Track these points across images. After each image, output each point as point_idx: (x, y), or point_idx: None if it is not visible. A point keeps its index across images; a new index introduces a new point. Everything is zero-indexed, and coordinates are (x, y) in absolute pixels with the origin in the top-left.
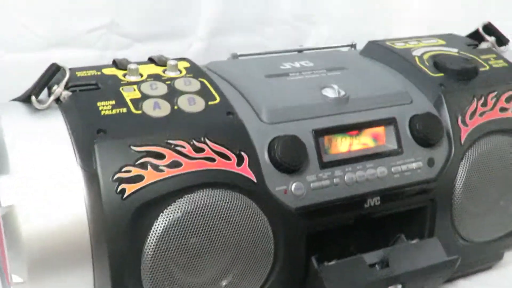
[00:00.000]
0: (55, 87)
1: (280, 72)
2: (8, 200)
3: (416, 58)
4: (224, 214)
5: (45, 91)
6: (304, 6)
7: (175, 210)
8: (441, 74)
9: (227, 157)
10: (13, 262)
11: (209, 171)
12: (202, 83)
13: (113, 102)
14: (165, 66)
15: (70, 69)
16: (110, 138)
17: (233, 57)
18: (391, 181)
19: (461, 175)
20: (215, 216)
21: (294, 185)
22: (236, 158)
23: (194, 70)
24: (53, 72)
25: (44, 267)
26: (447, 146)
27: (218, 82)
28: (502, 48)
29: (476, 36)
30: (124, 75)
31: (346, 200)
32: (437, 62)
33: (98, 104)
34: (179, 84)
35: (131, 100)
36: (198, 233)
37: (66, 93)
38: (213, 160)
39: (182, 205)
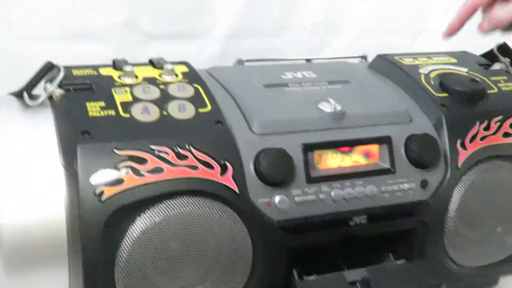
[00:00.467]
0: (48, 84)
1: (280, 82)
2: None
3: (422, 76)
4: (203, 222)
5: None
6: (327, 14)
7: (154, 215)
8: (445, 95)
9: (210, 166)
10: None
11: (191, 179)
12: (196, 89)
13: (102, 103)
14: (163, 69)
15: (66, 67)
16: (94, 140)
17: (238, 63)
18: (380, 200)
19: (455, 199)
20: (194, 223)
21: (278, 198)
22: (220, 168)
23: (191, 76)
24: (47, 70)
25: (20, 262)
26: (443, 169)
27: (215, 89)
28: None
29: (490, 56)
30: (120, 77)
31: (331, 216)
32: (443, 82)
33: (87, 104)
34: (172, 89)
35: (121, 103)
36: (175, 239)
37: (58, 92)
38: (196, 168)
39: (161, 211)
